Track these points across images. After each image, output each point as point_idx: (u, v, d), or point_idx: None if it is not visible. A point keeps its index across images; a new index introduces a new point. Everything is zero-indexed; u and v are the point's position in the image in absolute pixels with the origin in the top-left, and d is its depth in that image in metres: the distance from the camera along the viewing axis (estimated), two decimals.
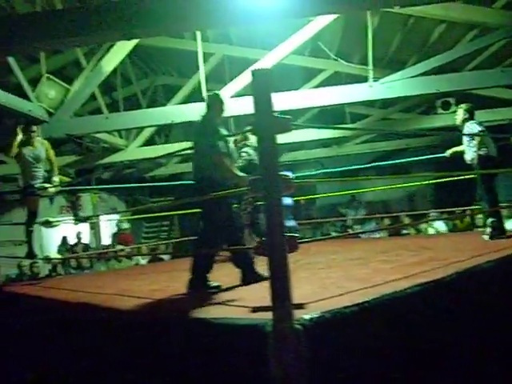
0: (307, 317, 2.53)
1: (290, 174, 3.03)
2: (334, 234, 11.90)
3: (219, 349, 2.74)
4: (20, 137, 6.76)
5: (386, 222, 11.69)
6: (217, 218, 4.22)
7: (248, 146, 6.40)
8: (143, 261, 10.43)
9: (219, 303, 3.54)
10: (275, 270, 2.50)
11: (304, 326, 2.48)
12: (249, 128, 3.53)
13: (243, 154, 6.31)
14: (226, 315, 2.94)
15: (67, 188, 7.94)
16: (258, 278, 4.11)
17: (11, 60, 7.74)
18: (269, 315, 2.52)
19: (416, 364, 2.97)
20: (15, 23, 5.49)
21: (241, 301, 3.44)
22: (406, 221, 10.86)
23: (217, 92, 4.68)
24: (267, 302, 2.57)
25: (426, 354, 3.05)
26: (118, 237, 13.62)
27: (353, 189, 12.71)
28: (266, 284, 3.75)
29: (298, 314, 2.53)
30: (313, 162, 14.33)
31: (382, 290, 3.05)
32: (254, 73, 2.71)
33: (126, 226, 13.80)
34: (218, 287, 4.15)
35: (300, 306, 2.72)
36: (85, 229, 12.71)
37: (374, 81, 8.04)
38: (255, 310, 2.91)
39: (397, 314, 2.98)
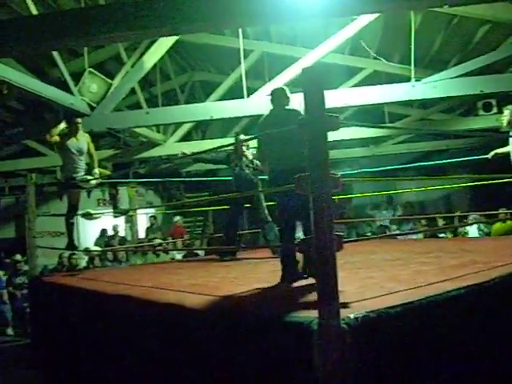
0: (353, 316, 2.51)
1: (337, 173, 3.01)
2: (369, 235, 11.84)
3: (264, 345, 2.74)
4: (62, 126, 6.85)
5: (423, 223, 11.55)
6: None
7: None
8: (178, 255, 10.53)
9: (263, 299, 3.53)
10: (323, 269, 2.49)
11: (349, 325, 2.46)
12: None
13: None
14: (271, 312, 2.94)
15: (108, 181, 8.02)
16: (298, 277, 4.06)
17: (55, 54, 7.86)
18: (314, 313, 2.51)
19: (458, 366, 2.95)
20: (61, 19, 5.56)
21: (285, 298, 3.44)
22: (441, 223, 10.72)
23: (283, 87, 4.61)
24: (310, 299, 2.56)
25: (468, 357, 3.03)
26: (171, 229, 13.89)
27: (389, 189, 12.59)
28: (306, 282, 3.80)
29: (344, 313, 2.51)
30: (348, 161, 14.24)
31: (426, 292, 3.02)
32: (304, 70, 2.70)
33: (178, 218, 13.98)
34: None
35: (345, 305, 2.70)
36: (121, 222, 12.87)
37: (416, 80, 7.94)
38: (300, 307, 2.91)
39: (440, 316, 2.95)
